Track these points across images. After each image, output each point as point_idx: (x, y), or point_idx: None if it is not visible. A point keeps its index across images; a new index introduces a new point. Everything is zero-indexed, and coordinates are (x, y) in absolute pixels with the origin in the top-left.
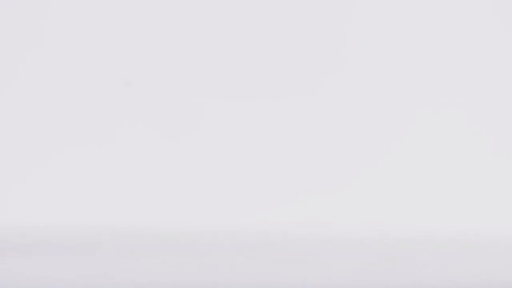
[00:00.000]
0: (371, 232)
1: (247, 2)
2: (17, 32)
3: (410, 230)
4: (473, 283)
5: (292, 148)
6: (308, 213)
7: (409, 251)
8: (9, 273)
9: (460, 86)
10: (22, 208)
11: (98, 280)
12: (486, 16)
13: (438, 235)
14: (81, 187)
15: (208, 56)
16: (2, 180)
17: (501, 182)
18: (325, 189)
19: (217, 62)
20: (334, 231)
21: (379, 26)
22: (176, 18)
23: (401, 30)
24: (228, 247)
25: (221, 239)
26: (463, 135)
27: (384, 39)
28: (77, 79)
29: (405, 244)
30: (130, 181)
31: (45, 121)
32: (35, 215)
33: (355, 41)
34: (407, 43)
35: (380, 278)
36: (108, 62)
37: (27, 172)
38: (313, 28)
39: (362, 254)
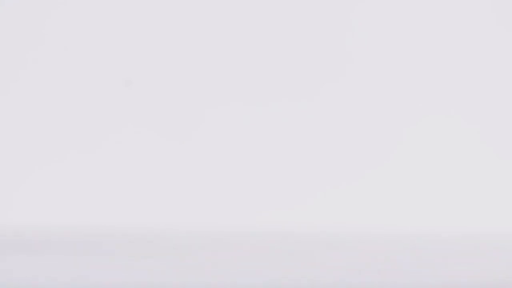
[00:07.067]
0: (370, 232)
1: (248, 4)
2: (17, 33)
3: (409, 231)
4: (473, 283)
5: (292, 150)
6: (308, 214)
7: (409, 251)
8: (9, 273)
9: (460, 90)
10: (22, 208)
11: (98, 280)
12: (486, 16)
13: (437, 235)
14: (81, 187)
15: (209, 57)
16: (3, 180)
17: (502, 182)
18: (325, 190)
19: (218, 64)
20: (333, 232)
21: (378, 29)
22: (176, 19)
23: (401, 34)
24: (228, 247)
25: (222, 239)
26: (463, 136)
27: (383, 42)
28: (77, 79)
29: (404, 244)
30: (130, 181)
31: (46, 121)
32: (35, 215)
33: (356, 46)
34: (407, 46)
35: (379, 278)
36: (108, 62)
37: (28, 172)
38: (314, 32)
39: (361, 254)
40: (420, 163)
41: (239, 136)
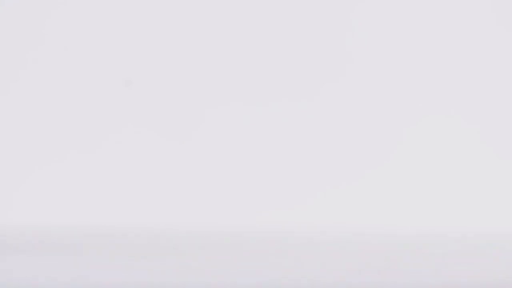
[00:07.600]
0: (369, 232)
1: (248, 3)
2: (17, 33)
3: (408, 231)
4: (473, 283)
5: (292, 150)
6: (308, 214)
7: (409, 251)
8: (9, 273)
9: (460, 90)
10: (22, 208)
11: (98, 280)
12: (486, 16)
13: (437, 235)
14: (81, 187)
15: (209, 57)
16: (3, 180)
17: (501, 182)
18: (325, 190)
19: (218, 64)
20: (333, 232)
21: (378, 29)
22: (176, 19)
23: (401, 34)
24: (228, 247)
25: (222, 239)
26: (462, 136)
27: (383, 42)
28: (77, 79)
29: (404, 244)
30: (130, 181)
31: (46, 121)
32: (35, 215)
33: (356, 46)
34: (407, 46)
35: (379, 278)
36: (108, 62)
37: (28, 172)
38: (314, 32)
39: (361, 254)
40: (420, 163)
41: (239, 136)
